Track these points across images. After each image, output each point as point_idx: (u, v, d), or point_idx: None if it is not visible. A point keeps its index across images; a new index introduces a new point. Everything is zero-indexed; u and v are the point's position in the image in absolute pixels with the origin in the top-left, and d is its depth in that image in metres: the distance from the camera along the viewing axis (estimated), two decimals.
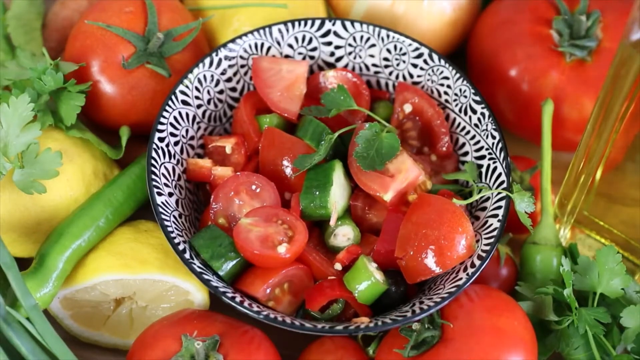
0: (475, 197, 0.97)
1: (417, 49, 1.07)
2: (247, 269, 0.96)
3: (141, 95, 1.05)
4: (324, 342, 0.98)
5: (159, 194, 0.96)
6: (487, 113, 1.02)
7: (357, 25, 1.07)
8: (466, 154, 1.04)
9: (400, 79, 1.08)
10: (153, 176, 0.96)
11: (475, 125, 1.03)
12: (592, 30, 1.08)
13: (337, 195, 0.97)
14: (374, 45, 1.08)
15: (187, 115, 1.03)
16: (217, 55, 1.05)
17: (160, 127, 1.00)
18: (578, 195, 1.01)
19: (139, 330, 0.96)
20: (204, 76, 1.04)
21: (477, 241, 0.96)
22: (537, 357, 0.92)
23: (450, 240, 0.93)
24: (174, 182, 0.99)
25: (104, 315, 1.01)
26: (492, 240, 0.94)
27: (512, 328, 0.91)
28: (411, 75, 1.08)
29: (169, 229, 0.94)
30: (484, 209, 0.99)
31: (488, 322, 0.90)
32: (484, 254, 0.93)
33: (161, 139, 0.99)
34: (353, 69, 1.09)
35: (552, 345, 0.98)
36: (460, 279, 0.93)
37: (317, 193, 0.96)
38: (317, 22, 1.07)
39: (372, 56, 1.08)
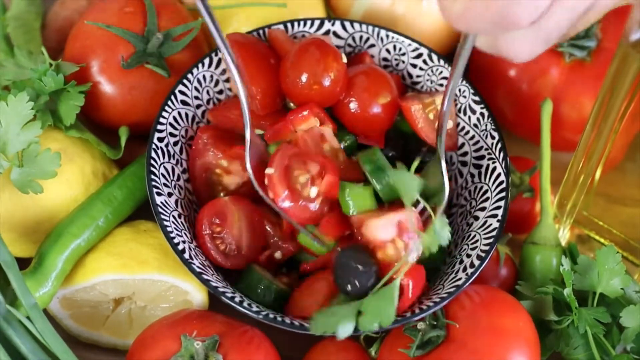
0: None
1: (416, 49, 1.07)
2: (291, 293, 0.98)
3: (140, 95, 1.05)
4: (325, 344, 0.98)
5: (159, 194, 0.96)
6: (486, 113, 1.02)
7: (356, 25, 1.07)
8: (465, 154, 1.04)
9: (400, 79, 1.09)
10: (152, 176, 0.96)
11: (475, 125, 1.03)
12: (592, 30, 1.08)
13: None
14: (373, 45, 1.08)
15: (187, 115, 1.03)
16: (216, 55, 1.05)
17: (159, 127, 1.00)
18: (577, 195, 1.01)
19: (138, 330, 0.96)
20: (204, 76, 1.04)
21: (477, 241, 0.96)
22: (540, 356, 0.92)
23: None
24: (173, 182, 0.99)
25: (103, 315, 1.01)
26: (491, 240, 0.94)
27: (517, 328, 0.91)
28: (410, 76, 1.08)
29: (169, 229, 0.94)
30: (483, 209, 0.99)
31: (493, 322, 0.90)
32: (483, 254, 0.93)
33: (160, 139, 0.99)
34: None
35: (552, 345, 0.98)
36: (460, 279, 0.93)
37: None
38: (317, 22, 1.07)
39: (371, 56, 1.08)
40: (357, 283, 0.92)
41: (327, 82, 0.99)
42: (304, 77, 0.99)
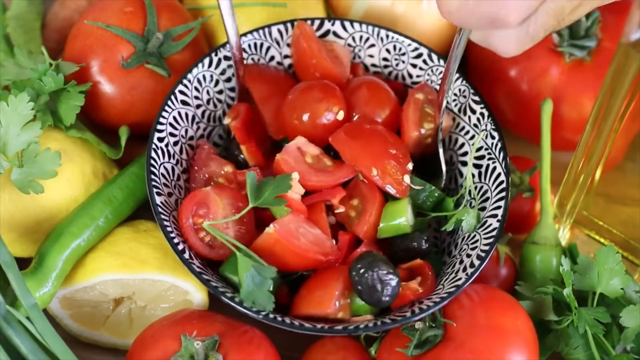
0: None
1: (416, 49, 1.07)
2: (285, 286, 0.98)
3: (140, 95, 1.05)
4: (324, 343, 0.98)
5: (159, 194, 0.96)
6: (486, 113, 1.02)
7: (356, 25, 1.07)
8: (465, 154, 1.04)
9: (400, 79, 1.09)
10: (152, 176, 0.96)
11: (475, 125, 1.03)
12: (592, 30, 1.08)
13: None
14: (373, 45, 1.08)
15: (187, 115, 1.03)
16: (216, 55, 1.05)
17: (159, 127, 1.00)
18: (577, 195, 1.01)
19: (138, 330, 0.96)
20: (203, 76, 1.04)
21: (477, 240, 0.96)
22: (538, 356, 0.93)
23: None
24: (173, 182, 0.99)
25: (103, 315, 1.01)
26: (491, 240, 0.94)
27: (515, 327, 0.91)
28: (410, 76, 1.08)
29: (169, 229, 0.94)
30: (483, 209, 0.99)
31: (491, 321, 0.90)
32: (483, 254, 0.93)
33: (160, 139, 0.99)
34: None
35: (552, 344, 0.98)
36: (460, 278, 0.93)
37: None
38: (317, 22, 1.07)
39: (371, 56, 1.09)
40: (386, 295, 0.92)
41: (323, 124, 1.00)
42: (304, 116, 1.00)
